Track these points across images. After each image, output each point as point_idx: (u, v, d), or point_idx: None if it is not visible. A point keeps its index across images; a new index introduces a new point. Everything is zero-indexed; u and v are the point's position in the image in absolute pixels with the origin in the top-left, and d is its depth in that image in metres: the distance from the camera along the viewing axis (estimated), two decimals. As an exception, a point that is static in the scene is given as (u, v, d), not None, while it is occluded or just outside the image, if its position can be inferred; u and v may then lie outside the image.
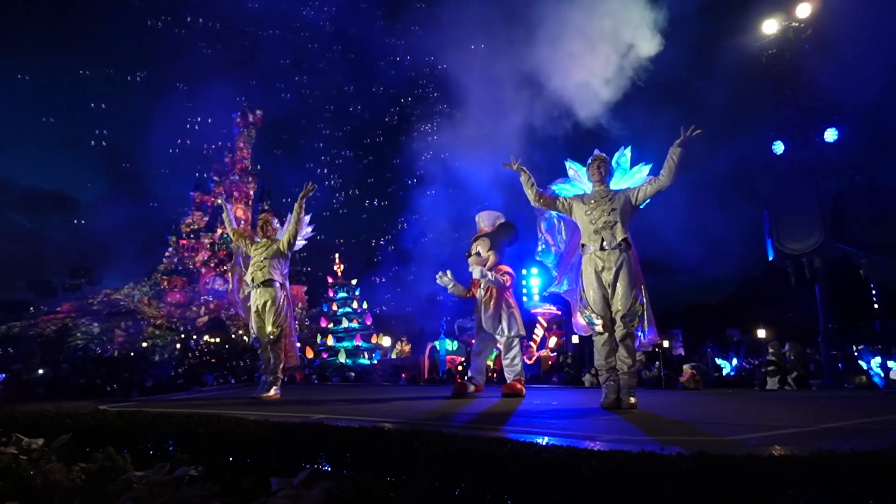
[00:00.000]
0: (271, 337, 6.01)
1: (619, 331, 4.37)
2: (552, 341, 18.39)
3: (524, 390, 5.59)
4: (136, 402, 5.73)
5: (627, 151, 4.84)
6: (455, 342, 19.50)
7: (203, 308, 30.06)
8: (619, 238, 4.41)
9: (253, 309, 6.17)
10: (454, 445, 2.16)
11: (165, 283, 31.70)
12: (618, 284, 4.35)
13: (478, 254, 5.84)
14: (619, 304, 4.34)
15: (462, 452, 2.13)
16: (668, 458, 1.89)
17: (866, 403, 5.06)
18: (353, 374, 16.91)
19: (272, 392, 5.98)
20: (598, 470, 1.90)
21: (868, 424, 3.46)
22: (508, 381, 5.60)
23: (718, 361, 17.79)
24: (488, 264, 5.77)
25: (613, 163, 4.83)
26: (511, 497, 2.03)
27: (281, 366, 6.13)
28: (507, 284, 5.80)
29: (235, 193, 34.73)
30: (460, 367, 14.68)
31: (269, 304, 6.05)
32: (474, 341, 6.08)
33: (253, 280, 6.13)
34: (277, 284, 6.10)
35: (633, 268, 4.42)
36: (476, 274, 5.75)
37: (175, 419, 3.15)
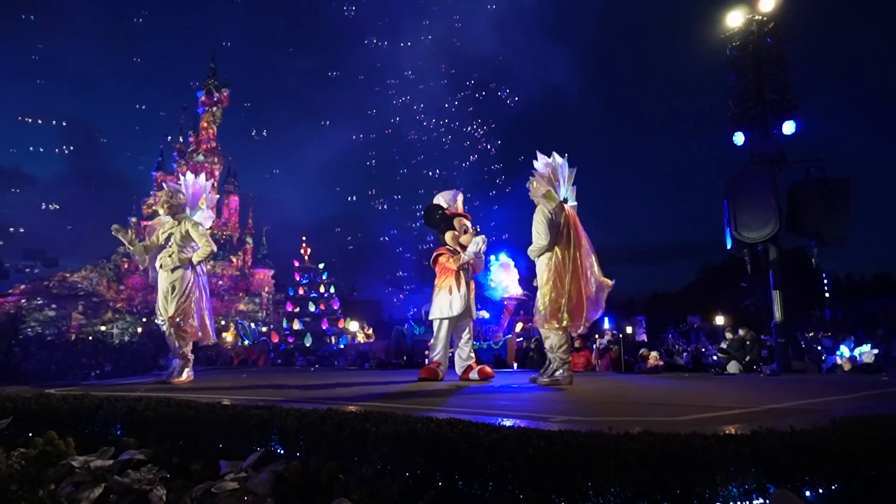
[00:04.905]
0: (174, 321, 5.87)
1: None
2: (518, 326, 18.54)
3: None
4: (84, 386, 5.56)
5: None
6: (423, 327, 19.49)
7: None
8: None
9: (160, 292, 6.05)
10: (405, 426, 2.15)
11: (126, 265, 30.73)
12: None
13: (476, 232, 5.91)
14: None
15: (413, 433, 2.12)
16: (613, 438, 1.92)
17: (812, 385, 5.29)
18: (313, 357, 16.77)
19: (184, 376, 5.88)
20: (545, 450, 1.92)
21: (812, 405, 3.61)
22: (471, 362, 5.69)
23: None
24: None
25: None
26: (462, 477, 2.04)
27: (189, 348, 6.03)
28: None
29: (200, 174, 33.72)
30: (427, 353, 14.70)
31: (175, 288, 5.92)
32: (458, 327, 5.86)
33: (162, 266, 6.03)
34: (187, 270, 5.99)
35: None
36: (473, 249, 5.69)
37: (123, 402, 3.06)
